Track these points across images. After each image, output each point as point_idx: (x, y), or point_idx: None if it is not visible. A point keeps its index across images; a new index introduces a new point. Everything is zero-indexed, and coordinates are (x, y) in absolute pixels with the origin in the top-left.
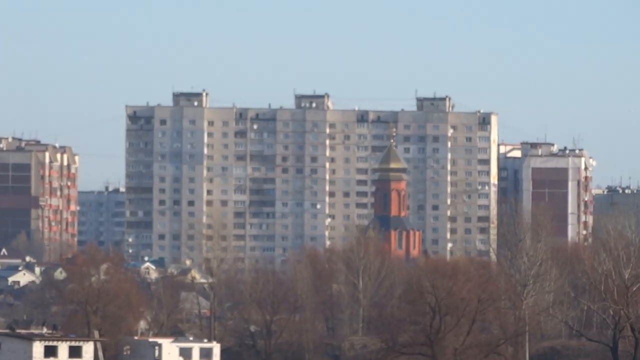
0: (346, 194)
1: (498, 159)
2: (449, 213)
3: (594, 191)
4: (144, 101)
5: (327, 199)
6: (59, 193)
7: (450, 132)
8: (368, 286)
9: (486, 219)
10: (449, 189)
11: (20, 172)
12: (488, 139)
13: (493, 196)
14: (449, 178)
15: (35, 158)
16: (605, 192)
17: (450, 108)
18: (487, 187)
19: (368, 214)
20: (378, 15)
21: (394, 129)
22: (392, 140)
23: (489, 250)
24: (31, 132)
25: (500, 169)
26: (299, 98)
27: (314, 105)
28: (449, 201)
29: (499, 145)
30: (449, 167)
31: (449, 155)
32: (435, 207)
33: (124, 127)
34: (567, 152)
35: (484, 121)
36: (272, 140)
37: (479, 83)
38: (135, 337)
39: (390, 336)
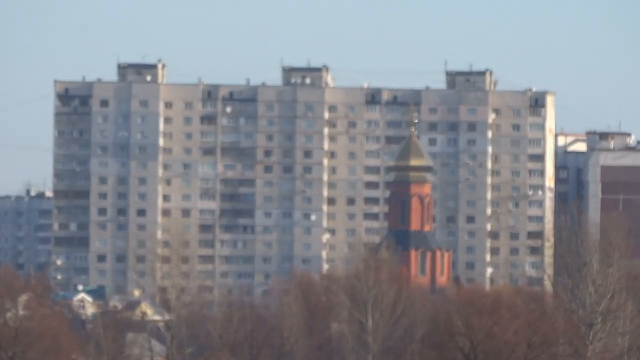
0: (350, 201)
1: (555, 153)
2: (489, 227)
3: None
4: (78, 75)
5: (325, 207)
6: None
7: (491, 117)
8: (379, 325)
9: (539, 235)
10: (489, 195)
11: None
12: (542, 127)
13: (549, 204)
14: (489, 180)
15: None
16: None
17: (492, 85)
18: (540, 192)
19: (380, 228)
20: None
21: (416, 114)
22: (412, 129)
23: (542, 277)
24: None
25: (558, 167)
26: (288, 71)
27: (307, 81)
28: (489, 211)
29: (556, 135)
30: (489, 165)
31: (490, 149)
32: (470, 219)
33: (52, 110)
34: None
35: (537, 103)
36: (252, 127)
37: (530, 53)
38: None
39: None
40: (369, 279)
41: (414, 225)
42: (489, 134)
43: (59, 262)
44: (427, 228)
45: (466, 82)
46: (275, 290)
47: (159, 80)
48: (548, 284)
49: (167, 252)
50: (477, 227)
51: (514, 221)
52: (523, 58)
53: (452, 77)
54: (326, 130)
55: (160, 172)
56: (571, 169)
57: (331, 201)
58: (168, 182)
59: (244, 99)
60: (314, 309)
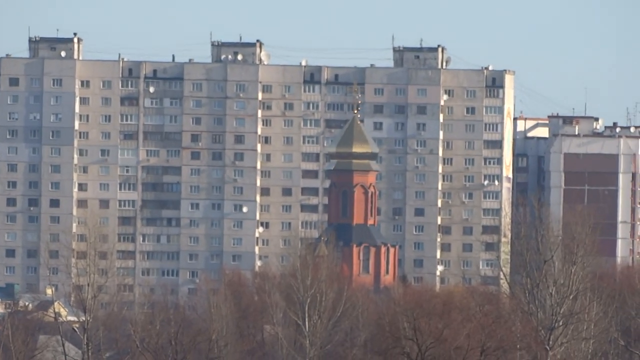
0: (286, 192)
1: (514, 140)
2: (439, 221)
3: None
4: None
5: (258, 198)
6: None
7: (443, 99)
8: (318, 328)
9: (495, 229)
10: (440, 185)
11: None
12: (500, 109)
13: (506, 196)
14: (440, 168)
15: None
16: None
17: (444, 64)
18: (497, 182)
19: (319, 222)
20: None
21: (359, 95)
22: (355, 112)
23: (498, 276)
24: None
25: (517, 155)
26: (218, 47)
27: (239, 58)
28: (439, 203)
29: (515, 119)
30: (440, 152)
31: (441, 134)
32: (419, 212)
33: None
34: (618, 130)
35: (494, 83)
36: (177, 109)
37: (486, 28)
38: None
39: None
40: (307, 278)
41: (357, 218)
42: (441, 117)
43: None
44: (371, 221)
45: (415, 60)
46: (203, 290)
47: (75, 56)
48: (504, 284)
49: (83, 247)
50: (427, 221)
51: (468, 214)
52: (478, 33)
53: (400, 54)
54: (260, 113)
55: (76, 158)
56: (531, 157)
57: (265, 191)
58: (84, 169)
59: (169, 78)
60: (246, 310)
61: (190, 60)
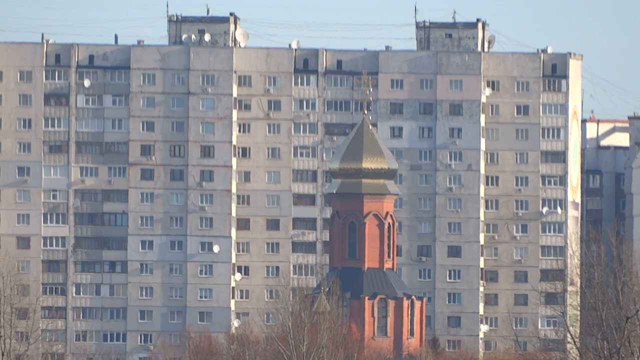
0: (272, 224)
1: (583, 150)
2: (482, 263)
3: None
4: None
5: (233, 232)
6: None
7: (485, 94)
8: None
9: (558, 275)
10: (482, 213)
11: None
12: (563, 109)
13: (573, 228)
14: (482, 190)
15: None
16: None
17: (487, 45)
18: (560, 210)
19: (317, 266)
20: None
21: (371, 89)
22: (366, 112)
23: (564, 338)
24: None
25: (586, 171)
26: (176, 23)
27: (206, 38)
28: (482, 239)
29: (584, 121)
30: (482, 168)
31: (483, 143)
32: (454, 251)
33: None
34: None
35: (555, 71)
36: (122, 111)
37: None
38: None
39: None
40: (302, 342)
41: (369, 260)
42: (482, 119)
43: None
44: (388, 265)
45: (447, 40)
46: (160, 359)
47: None
48: (573, 350)
49: None
50: (465, 264)
51: (520, 254)
52: (532, 3)
53: (426, 33)
54: (235, 115)
55: None
56: (606, 174)
57: (243, 224)
58: None
59: (111, 67)
60: None
61: (139, 42)
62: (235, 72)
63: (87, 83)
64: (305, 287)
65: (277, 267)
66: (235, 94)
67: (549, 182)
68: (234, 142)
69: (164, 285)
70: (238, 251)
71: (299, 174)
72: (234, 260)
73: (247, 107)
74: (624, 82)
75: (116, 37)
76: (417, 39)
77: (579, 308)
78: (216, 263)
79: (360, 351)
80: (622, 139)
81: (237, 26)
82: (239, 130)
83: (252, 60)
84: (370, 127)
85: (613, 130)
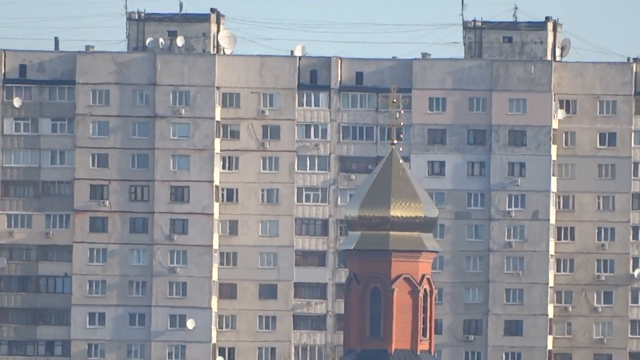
0: (267, 291)
1: None
2: (551, 343)
3: None
4: None
5: (214, 303)
6: None
7: (557, 117)
8: None
9: None
10: (551, 277)
11: None
12: None
13: None
14: (552, 246)
15: None
16: None
17: (559, 51)
18: None
19: (327, 347)
20: None
21: (401, 110)
22: (395, 142)
23: None
24: None
25: None
26: (139, 23)
27: (179, 43)
28: (551, 310)
29: None
30: (552, 217)
31: (555, 183)
32: (514, 328)
33: None
34: None
35: None
36: (64, 140)
37: None
38: None
39: None
40: None
41: (398, 340)
42: (554, 151)
43: None
44: (424, 346)
45: (506, 46)
46: None
47: None
48: None
49: None
50: (529, 344)
51: (603, 331)
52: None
53: (477, 36)
54: (218, 145)
55: None
56: None
57: (228, 291)
58: None
59: (49, 81)
60: None
61: (87, 47)
62: (218, 88)
63: (17, 102)
64: None
65: (274, 349)
66: (218, 117)
67: None
68: (217, 181)
69: None
70: (220, 327)
71: (304, 224)
72: (214, 340)
73: (235, 135)
74: None
75: (57, 40)
76: (464, 44)
77: None
78: (190, 343)
79: None
80: None
81: (221, 27)
82: (224, 166)
83: (242, 72)
84: (401, 162)
85: None
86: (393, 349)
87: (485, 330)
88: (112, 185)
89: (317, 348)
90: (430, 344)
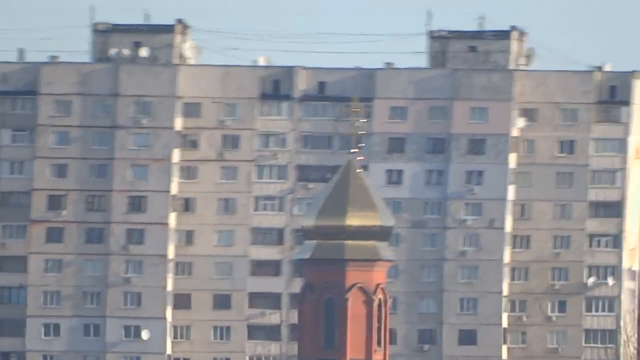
0: (221, 302)
1: None
2: (505, 353)
3: None
4: None
5: (169, 314)
6: None
7: (518, 124)
8: None
9: None
10: (506, 286)
11: None
12: (621, 146)
13: (628, 306)
14: (507, 255)
15: None
16: None
17: (524, 60)
18: (611, 281)
19: (283, 357)
20: None
21: (360, 120)
22: (354, 151)
23: None
24: None
25: None
26: (103, 34)
27: (142, 53)
28: (505, 320)
29: None
30: (508, 225)
31: (512, 192)
32: (468, 337)
33: None
34: None
35: (613, 96)
36: (23, 151)
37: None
38: None
39: None
40: None
41: (353, 350)
42: (512, 160)
43: None
44: (378, 356)
45: (470, 55)
46: None
47: None
48: None
49: None
50: (482, 354)
51: (558, 340)
52: (586, 9)
53: (442, 45)
54: (176, 155)
55: None
56: None
57: (182, 301)
58: None
59: (12, 91)
60: None
61: (53, 58)
62: (180, 98)
63: None
64: None
65: (228, 359)
66: (178, 127)
67: (598, 244)
68: (174, 191)
69: None
70: (175, 338)
71: (260, 233)
72: (169, 351)
73: (194, 145)
74: None
75: (21, 51)
76: (429, 53)
77: None
78: (145, 354)
79: None
80: None
81: (187, 37)
82: (181, 176)
83: (204, 83)
84: (359, 171)
85: None
86: (348, 359)
87: (439, 339)
88: (70, 196)
89: (271, 358)
90: (385, 353)
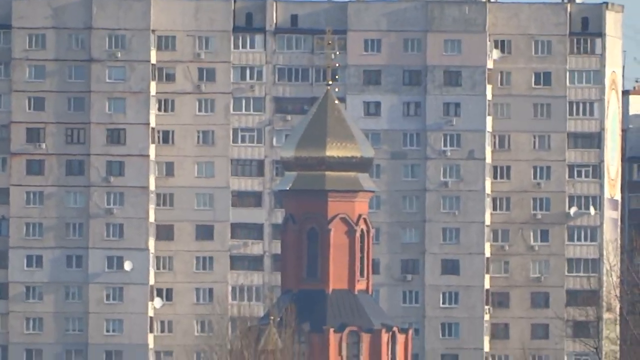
0: (204, 232)
1: (624, 132)
2: (488, 282)
3: None
4: None
5: (151, 244)
6: None
7: (493, 56)
8: None
9: (591, 297)
10: (488, 216)
11: None
12: (598, 77)
13: (610, 235)
14: (488, 185)
15: None
16: None
17: None
18: (593, 211)
19: (264, 287)
20: None
21: (336, 52)
22: (330, 83)
23: None
24: None
25: (628, 159)
26: None
27: None
28: (488, 249)
29: (626, 93)
30: (488, 156)
31: (490, 123)
32: (450, 267)
33: None
34: None
35: (586, 27)
36: (0, 84)
37: None
38: None
39: None
40: None
41: (335, 280)
42: (489, 91)
43: None
44: (361, 286)
45: None
46: None
47: None
48: None
49: None
50: (464, 283)
51: (539, 270)
52: None
53: None
54: (154, 88)
55: None
56: None
57: (164, 232)
58: None
59: None
60: None
61: None
62: (153, 31)
63: None
64: (248, 316)
65: (211, 290)
66: (153, 60)
67: (579, 174)
68: (153, 123)
69: (57, 316)
70: (158, 269)
71: (240, 165)
72: (152, 282)
73: (170, 78)
74: None
75: None
76: None
77: (618, 342)
78: (128, 285)
79: None
80: None
81: None
82: (159, 109)
83: (177, 16)
84: (337, 103)
85: None
86: (330, 289)
87: (422, 269)
88: (49, 128)
89: (254, 289)
90: (367, 283)
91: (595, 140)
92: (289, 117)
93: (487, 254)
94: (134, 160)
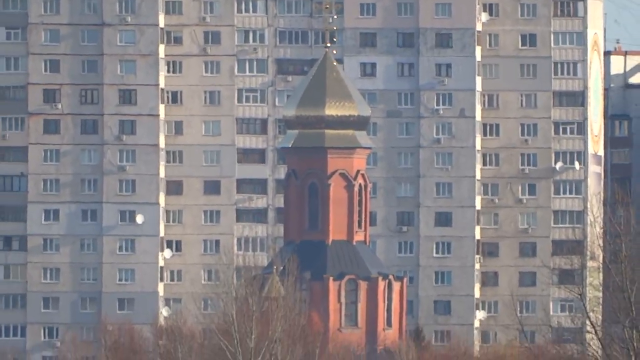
0: (211, 187)
1: (606, 90)
2: (478, 233)
3: None
4: None
5: (161, 199)
6: None
7: (482, 19)
8: None
9: (575, 247)
10: (478, 171)
11: None
12: (581, 38)
13: (594, 188)
14: (478, 142)
15: None
16: None
17: None
18: (578, 166)
19: (268, 239)
20: None
21: (334, 16)
22: (329, 45)
23: (582, 327)
24: None
25: (611, 116)
26: None
27: None
28: (478, 202)
29: (608, 54)
30: (478, 114)
31: (480, 82)
32: (443, 219)
33: None
34: None
35: None
36: (17, 47)
37: None
38: None
39: None
40: (248, 335)
41: (335, 231)
42: (478, 52)
43: None
44: (359, 237)
45: None
46: (69, 358)
47: None
48: (594, 340)
49: None
50: (457, 234)
51: (527, 221)
52: None
53: None
54: (162, 50)
55: None
56: (637, 120)
57: (174, 187)
58: None
59: None
60: None
61: None
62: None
63: None
64: (253, 266)
65: (217, 242)
66: (162, 24)
67: (564, 131)
68: (162, 84)
69: (73, 266)
70: (168, 221)
71: (245, 123)
72: (162, 234)
73: (178, 41)
74: None
75: None
76: None
77: (601, 289)
78: (140, 237)
79: (323, 346)
80: None
81: None
82: (168, 70)
83: None
84: (335, 64)
85: None
86: (330, 240)
87: (417, 221)
88: (64, 89)
89: (258, 240)
90: (365, 235)
91: (579, 98)
92: (290, 78)
93: (478, 206)
94: (145, 120)
